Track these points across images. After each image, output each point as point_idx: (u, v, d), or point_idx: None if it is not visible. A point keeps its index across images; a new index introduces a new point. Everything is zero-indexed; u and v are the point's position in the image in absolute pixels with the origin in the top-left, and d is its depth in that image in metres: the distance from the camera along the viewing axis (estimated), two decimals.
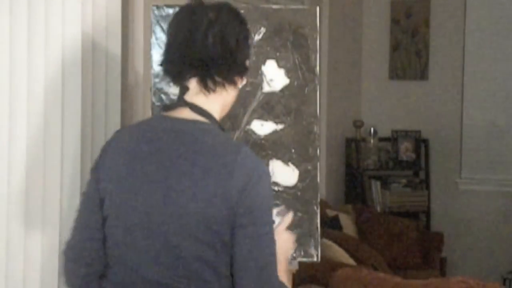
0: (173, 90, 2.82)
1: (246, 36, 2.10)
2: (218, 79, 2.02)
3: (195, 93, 2.05)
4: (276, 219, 2.21)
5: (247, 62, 2.12)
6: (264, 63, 2.82)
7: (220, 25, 2.03)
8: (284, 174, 2.79)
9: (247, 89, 2.82)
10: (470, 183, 6.49)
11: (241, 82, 2.13)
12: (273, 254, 1.96)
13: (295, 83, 2.81)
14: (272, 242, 1.97)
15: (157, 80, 2.81)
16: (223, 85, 2.05)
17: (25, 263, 2.67)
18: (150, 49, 2.86)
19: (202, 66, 2.00)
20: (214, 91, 2.04)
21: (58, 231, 2.79)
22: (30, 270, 2.69)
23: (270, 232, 1.97)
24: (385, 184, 6.44)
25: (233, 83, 2.07)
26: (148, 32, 2.98)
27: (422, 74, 6.64)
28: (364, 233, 5.75)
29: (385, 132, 6.61)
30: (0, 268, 2.57)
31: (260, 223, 1.93)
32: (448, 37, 6.55)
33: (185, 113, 2.03)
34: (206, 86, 2.02)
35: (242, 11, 2.84)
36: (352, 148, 6.48)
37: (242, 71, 2.09)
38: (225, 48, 2.02)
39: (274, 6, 3.00)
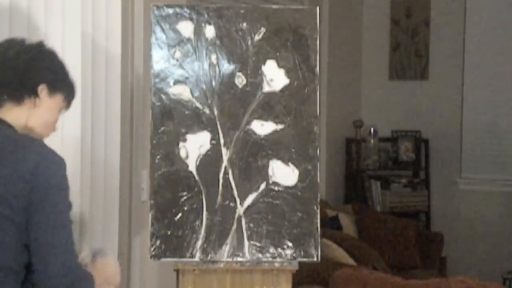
0: (173, 90, 2.82)
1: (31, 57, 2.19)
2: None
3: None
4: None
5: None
6: (264, 63, 2.82)
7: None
8: (284, 174, 2.79)
9: (247, 89, 2.83)
10: (470, 183, 6.49)
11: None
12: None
13: (295, 83, 2.82)
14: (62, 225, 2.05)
15: (157, 80, 2.81)
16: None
17: None
18: (150, 49, 2.86)
19: None
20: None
21: None
22: None
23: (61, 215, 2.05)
24: (385, 184, 6.43)
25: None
26: (148, 32, 2.98)
27: (422, 74, 6.64)
28: (364, 233, 5.75)
29: (385, 132, 6.60)
30: None
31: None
32: (448, 37, 6.54)
33: None
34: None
35: (242, 11, 2.85)
36: (352, 148, 6.48)
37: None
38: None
39: (274, 6, 3.00)
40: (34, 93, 2.15)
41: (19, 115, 2.15)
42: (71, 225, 2.06)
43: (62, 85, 2.22)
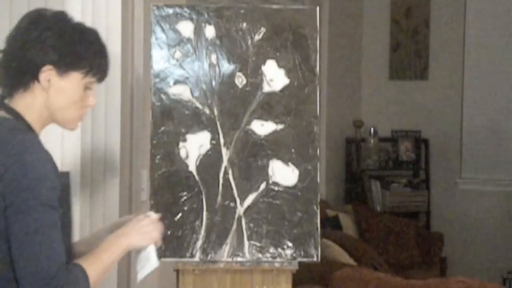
0: (173, 90, 2.82)
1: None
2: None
3: None
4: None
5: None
6: (264, 63, 2.82)
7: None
8: (284, 174, 2.79)
9: (247, 89, 2.83)
10: (470, 183, 6.49)
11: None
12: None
13: (295, 83, 2.81)
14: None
15: (157, 80, 2.81)
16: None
17: None
18: (150, 49, 2.86)
19: None
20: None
21: None
22: None
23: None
24: (385, 184, 6.44)
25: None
26: (148, 32, 2.98)
27: (422, 74, 6.64)
28: (364, 233, 5.75)
29: (385, 132, 6.60)
30: None
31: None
32: (448, 37, 6.55)
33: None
34: None
35: (242, 11, 2.85)
36: (352, 148, 6.48)
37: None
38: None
39: (274, 6, 3.00)
40: (37, 78, 1.99)
41: (31, 102, 2.00)
42: (49, 228, 1.87)
43: (74, 61, 2.01)
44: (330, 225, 5.28)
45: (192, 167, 2.77)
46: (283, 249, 2.75)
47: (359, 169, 6.38)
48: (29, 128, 2.00)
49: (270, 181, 2.78)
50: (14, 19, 2.58)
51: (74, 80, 2.02)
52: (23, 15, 2.06)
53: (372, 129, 6.45)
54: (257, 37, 2.83)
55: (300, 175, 2.79)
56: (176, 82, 2.80)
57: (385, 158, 6.57)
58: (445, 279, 3.37)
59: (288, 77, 2.81)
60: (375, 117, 6.64)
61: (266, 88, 2.81)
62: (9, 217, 1.85)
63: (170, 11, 2.80)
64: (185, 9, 2.84)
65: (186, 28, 2.82)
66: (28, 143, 1.91)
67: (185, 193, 2.76)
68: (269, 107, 2.80)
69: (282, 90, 2.81)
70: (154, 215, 2.28)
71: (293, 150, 2.79)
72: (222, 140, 2.79)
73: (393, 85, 6.74)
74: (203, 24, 2.81)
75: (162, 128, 2.78)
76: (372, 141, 6.45)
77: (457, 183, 6.53)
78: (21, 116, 2.00)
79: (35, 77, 1.98)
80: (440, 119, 6.57)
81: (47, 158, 1.92)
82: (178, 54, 2.81)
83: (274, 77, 2.81)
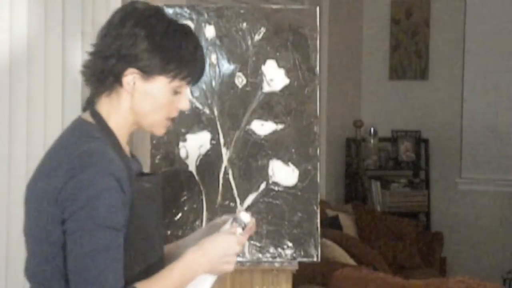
0: None
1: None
2: None
3: None
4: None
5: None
6: (264, 63, 2.82)
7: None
8: (284, 174, 2.79)
9: (247, 89, 2.83)
10: (470, 183, 6.49)
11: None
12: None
13: (295, 83, 2.81)
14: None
15: None
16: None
17: None
18: None
19: None
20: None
21: None
22: None
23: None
24: (385, 184, 6.44)
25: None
26: None
27: (422, 74, 6.64)
28: (364, 233, 5.75)
29: (385, 132, 6.60)
30: (0, 269, 2.57)
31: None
32: (448, 37, 6.54)
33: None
34: None
35: (242, 11, 2.85)
36: (352, 148, 6.48)
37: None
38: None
39: (274, 6, 3.00)
40: (120, 82, 1.86)
41: (116, 106, 1.89)
42: (103, 252, 1.74)
43: (161, 65, 1.86)
44: (330, 225, 5.27)
45: (192, 167, 2.77)
46: (283, 249, 2.75)
47: (359, 169, 6.37)
48: (108, 134, 1.88)
49: (270, 181, 2.78)
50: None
51: (160, 84, 1.88)
52: (116, 9, 1.94)
53: (372, 129, 6.45)
54: (257, 37, 2.83)
55: (300, 175, 2.79)
56: None
57: (385, 158, 6.57)
58: (445, 279, 3.36)
59: (288, 77, 2.81)
60: (375, 117, 6.64)
61: (266, 88, 2.81)
62: (67, 232, 1.75)
63: (170, 11, 2.80)
64: (185, 9, 2.84)
65: None
66: (88, 156, 1.78)
67: (185, 193, 2.76)
68: (269, 107, 2.80)
69: (282, 90, 2.81)
70: (246, 218, 1.95)
71: (293, 150, 2.80)
72: (222, 140, 2.79)
73: (393, 85, 6.73)
74: (203, 24, 2.81)
75: None
76: (372, 141, 6.45)
77: (457, 183, 6.53)
78: (103, 120, 1.89)
79: (118, 80, 1.86)
80: (440, 119, 6.56)
81: (111, 171, 1.77)
82: None
83: (274, 77, 2.82)
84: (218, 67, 2.81)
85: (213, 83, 2.81)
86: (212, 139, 2.78)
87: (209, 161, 2.77)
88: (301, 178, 2.79)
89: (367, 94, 6.77)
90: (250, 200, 2.77)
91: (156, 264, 1.89)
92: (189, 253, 1.87)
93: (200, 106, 2.80)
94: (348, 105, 6.63)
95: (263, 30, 2.83)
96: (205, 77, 2.80)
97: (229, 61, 2.81)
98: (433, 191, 6.52)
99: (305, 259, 2.77)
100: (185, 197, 2.76)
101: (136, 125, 1.94)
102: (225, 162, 2.78)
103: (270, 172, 2.79)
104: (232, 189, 2.77)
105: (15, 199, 2.61)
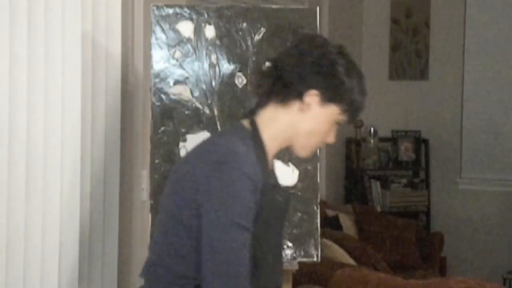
0: (173, 90, 2.82)
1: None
2: None
3: None
4: None
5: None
6: (264, 63, 2.82)
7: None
8: (284, 174, 2.79)
9: (247, 89, 2.82)
10: (470, 183, 6.48)
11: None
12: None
13: None
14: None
15: (157, 80, 2.81)
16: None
17: (25, 263, 2.67)
18: (150, 49, 2.86)
19: None
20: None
21: (59, 231, 2.79)
22: (30, 270, 2.69)
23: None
24: (385, 184, 6.43)
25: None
26: (148, 32, 2.98)
27: (422, 74, 6.64)
28: (364, 233, 5.75)
29: (385, 132, 6.60)
30: (0, 269, 2.57)
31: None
32: (448, 37, 6.54)
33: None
34: None
35: (242, 11, 2.85)
36: (352, 148, 6.48)
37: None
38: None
39: (274, 6, 3.00)
40: (301, 98, 1.99)
41: (282, 117, 2.01)
42: (236, 250, 1.83)
43: (340, 97, 2.03)
44: (330, 225, 5.27)
45: None
46: (283, 249, 2.75)
47: (359, 169, 6.37)
48: (258, 143, 1.99)
49: None
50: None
51: (331, 112, 2.03)
52: (302, 36, 2.14)
53: (372, 129, 6.44)
54: (257, 37, 2.83)
55: (300, 175, 2.79)
56: (176, 82, 2.80)
57: (385, 158, 6.56)
58: (445, 279, 3.36)
59: None
60: (375, 117, 6.63)
61: None
62: (202, 227, 1.85)
63: (170, 11, 2.81)
64: (185, 9, 2.84)
65: (186, 28, 2.82)
66: (233, 156, 1.89)
67: None
68: None
69: None
70: None
71: None
72: None
73: (393, 85, 6.73)
74: (203, 24, 2.81)
75: (162, 128, 2.78)
76: (372, 141, 6.45)
77: (457, 183, 6.52)
78: (258, 130, 2.00)
79: (300, 96, 1.98)
80: (440, 119, 6.56)
81: (250, 175, 1.87)
82: (178, 54, 2.81)
83: None
84: (218, 67, 2.81)
85: (213, 83, 2.81)
86: None
87: None
88: (301, 178, 2.79)
89: (367, 94, 6.76)
90: None
91: (266, 273, 1.96)
92: None
93: (200, 106, 2.80)
94: None
95: (263, 30, 2.83)
96: (205, 77, 2.80)
97: (229, 61, 2.81)
98: (433, 191, 6.52)
99: (305, 259, 2.77)
100: None
101: (288, 143, 2.05)
102: None
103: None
104: None
105: (15, 199, 2.61)
